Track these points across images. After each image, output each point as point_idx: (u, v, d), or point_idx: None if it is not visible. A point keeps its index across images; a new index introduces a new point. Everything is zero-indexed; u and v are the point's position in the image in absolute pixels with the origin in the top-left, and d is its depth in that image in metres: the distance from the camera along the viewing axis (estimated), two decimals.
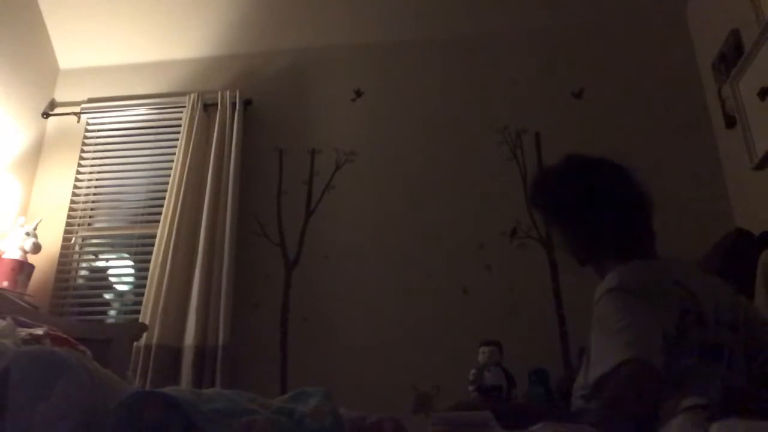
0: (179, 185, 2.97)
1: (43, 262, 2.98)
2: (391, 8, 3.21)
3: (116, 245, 3.29)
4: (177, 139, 3.15)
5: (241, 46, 3.35)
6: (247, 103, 3.19)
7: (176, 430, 0.88)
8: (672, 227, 2.69)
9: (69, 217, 3.17)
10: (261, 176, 3.09)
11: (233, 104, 3.13)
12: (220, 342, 2.65)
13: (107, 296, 3.20)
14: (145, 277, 2.88)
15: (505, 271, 2.73)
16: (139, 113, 3.33)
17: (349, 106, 3.18)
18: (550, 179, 1.39)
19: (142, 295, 2.83)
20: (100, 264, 3.23)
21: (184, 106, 3.18)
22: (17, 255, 2.82)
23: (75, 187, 3.23)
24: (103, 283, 3.19)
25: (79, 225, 3.19)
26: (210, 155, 3.04)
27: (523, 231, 2.79)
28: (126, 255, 3.26)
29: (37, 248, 2.87)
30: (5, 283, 2.71)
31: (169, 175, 3.05)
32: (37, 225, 2.94)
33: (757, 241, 1.94)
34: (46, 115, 3.35)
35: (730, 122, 2.58)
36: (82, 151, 3.30)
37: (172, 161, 3.08)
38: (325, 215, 2.98)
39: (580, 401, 1.15)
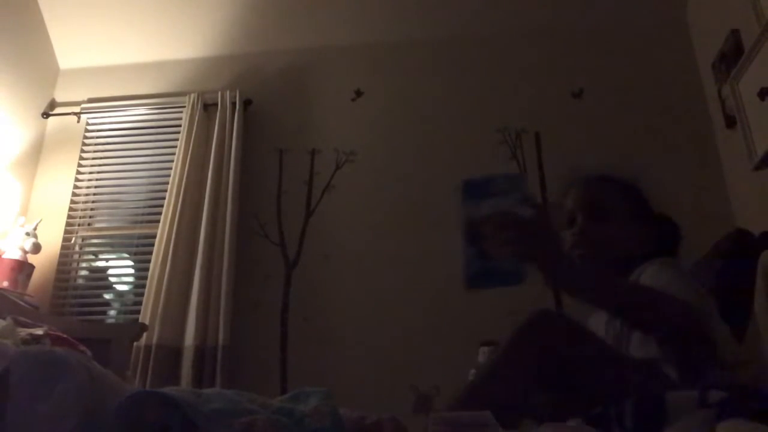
0: (179, 185, 2.97)
1: (43, 262, 2.98)
2: (391, 8, 3.21)
3: (116, 245, 3.30)
4: (177, 139, 3.15)
5: (241, 46, 3.35)
6: (247, 103, 3.19)
7: (176, 430, 0.88)
8: None
9: (69, 217, 3.17)
10: (261, 176, 3.09)
11: (233, 104, 3.13)
12: (220, 342, 2.65)
13: (107, 296, 3.20)
14: (145, 277, 2.88)
15: None
16: (139, 113, 3.33)
17: (349, 106, 3.18)
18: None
19: (142, 295, 2.83)
20: (100, 264, 3.23)
21: (184, 106, 3.18)
22: (17, 255, 2.82)
23: (75, 187, 3.23)
24: (103, 283, 3.19)
25: (79, 225, 3.20)
26: (210, 155, 3.04)
27: None
28: (126, 255, 3.26)
29: (37, 248, 2.87)
30: (5, 283, 2.71)
31: (169, 175, 3.05)
32: (37, 225, 2.94)
33: (757, 241, 1.94)
34: (46, 115, 3.35)
35: (730, 122, 2.58)
36: (82, 151, 3.30)
37: (172, 161, 3.09)
38: (325, 215, 2.98)
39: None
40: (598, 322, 1.40)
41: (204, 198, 2.95)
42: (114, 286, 3.22)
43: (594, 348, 1.10)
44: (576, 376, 1.05)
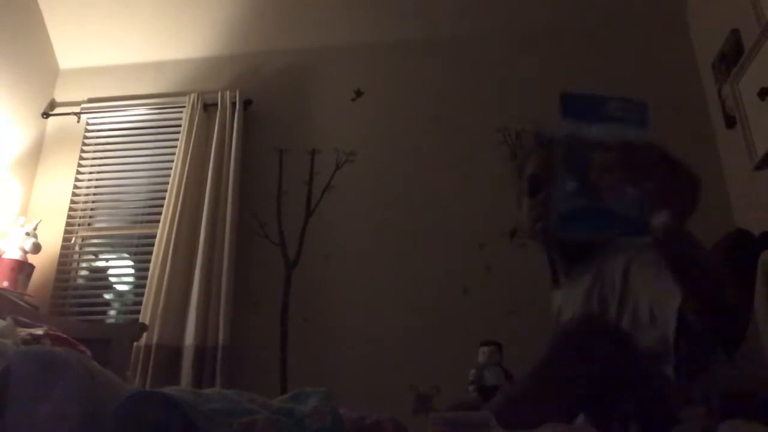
0: (179, 185, 2.97)
1: (43, 262, 2.98)
2: (391, 8, 3.21)
3: (116, 245, 3.30)
4: (177, 139, 3.15)
5: (241, 46, 3.35)
6: (247, 103, 3.19)
7: (176, 430, 0.88)
8: None
9: (69, 217, 3.17)
10: (261, 176, 3.09)
11: (233, 104, 3.14)
12: (220, 342, 2.65)
13: (107, 296, 3.20)
14: (145, 277, 2.88)
15: (505, 271, 2.73)
16: (139, 113, 3.33)
17: (349, 106, 3.18)
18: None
19: (142, 295, 2.83)
20: (100, 264, 3.23)
21: (184, 106, 3.18)
22: (17, 255, 2.82)
23: (75, 187, 3.23)
24: (103, 283, 3.19)
25: (79, 225, 3.20)
26: (210, 155, 3.04)
27: (523, 231, 2.78)
28: (126, 255, 3.26)
29: (37, 248, 2.87)
30: (5, 283, 2.71)
31: (169, 175, 3.05)
32: (37, 225, 2.94)
33: (757, 241, 1.94)
34: (46, 115, 3.35)
35: (730, 122, 2.58)
36: (82, 151, 3.30)
37: (172, 161, 3.09)
38: (325, 215, 2.98)
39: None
40: (569, 296, 1.35)
41: (204, 198, 2.95)
42: (114, 286, 3.22)
43: (638, 358, 1.01)
44: (618, 385, 0.97)
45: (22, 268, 2.81)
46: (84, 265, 3.19)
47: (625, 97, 0.74)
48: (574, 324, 1.05)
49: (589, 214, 0.70)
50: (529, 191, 1.32)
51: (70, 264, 3.15)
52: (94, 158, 3.30)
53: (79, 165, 3.27)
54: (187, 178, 2.98)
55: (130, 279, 3.19)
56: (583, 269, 1.31)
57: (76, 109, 3.33)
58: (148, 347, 2.66)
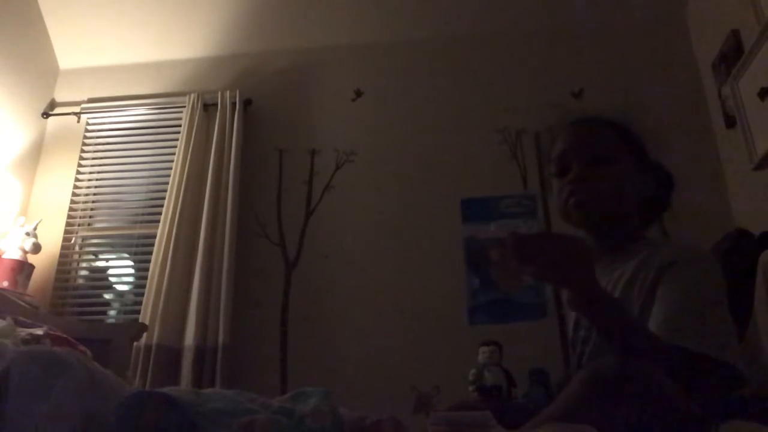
0: (179, 185, 2.97)
1: (43, 262, 2.98)
2: (391, 8, 3.21)
3: (116, 245, 3.29)
4: (177, 139, 3.15)
5: (241, 46, 3.35)
6: (247, 103, 3.19)
7: (176, 430, 0.88)
8: (672, 227, 2.69)
9: (69, 217, 3.17)
10: (261, 176, 3.09)
11: (233, 104, 3.13)
12: (220, 342, 2.65)
13: (107, 296, 3.20)
14: (145, 277, 2.88)
15: None
16: (139, 113, 3.33)
17: (349, 106, 3.18)
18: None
19: (142, 295, 2.83)
20: (100, 264, 3.23)
21: (184, 106, 3.18)
22: (17, 255, 2.82)
23: (75, 187, 3.23)
24: (103, 283, 3.20)
25: (79, 225, 3.19)
26: (210, 155, 3.04)
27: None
28: (126, 255, 3.26)
29: (37, 248, 2.87)
30: (5, 283, 2.71)
31: (169, 175, 3.05)
32: (37, 225, 2.94)
33: (757, 241, 1.94)
34: (46, 115, 3.35)
35: (730, 122, 2.58)
36: (82, 151, 3.30)
37: (172, 161, 3.08)
38: (325, 215, 2.98)
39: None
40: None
41: (204, 198, 2.95)
42: (114, 286, 3.22)
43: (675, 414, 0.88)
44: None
45: (22, 268, 2.81)
46: (84, 265, 3.19)
47: (513, 193, 0.87)
48: (613, 374, 0.88)
49: (493, 307, 0.82)
50: (557, 172, 1.25)
51: (70, 264, 3.15)
52: (94, 158, 3.30)
53: (79, 165, 3.27)
54: (187, 178, 2.98)
55: (130, 279, 3.19)
56: (622, 254, 1.20)
57: (76, 109, 3.33)
58: (148, 347, 2.66)
